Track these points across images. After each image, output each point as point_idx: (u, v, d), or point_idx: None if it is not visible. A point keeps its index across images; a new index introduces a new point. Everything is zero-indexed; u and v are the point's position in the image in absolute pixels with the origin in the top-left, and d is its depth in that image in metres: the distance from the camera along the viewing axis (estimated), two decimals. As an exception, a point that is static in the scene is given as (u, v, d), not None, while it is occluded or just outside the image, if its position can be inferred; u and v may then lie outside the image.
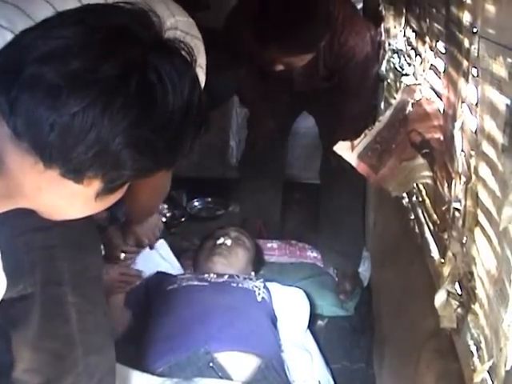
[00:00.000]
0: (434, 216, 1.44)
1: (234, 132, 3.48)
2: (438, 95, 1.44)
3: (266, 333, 1.97)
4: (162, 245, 2.30)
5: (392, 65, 2.12)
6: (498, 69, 0.90)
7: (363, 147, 1.71)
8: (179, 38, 0.81)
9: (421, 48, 1.67)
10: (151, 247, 2.03)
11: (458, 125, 1.15)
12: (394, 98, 1.86)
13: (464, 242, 1.12)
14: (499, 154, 0.91)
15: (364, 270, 2.60)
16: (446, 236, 1.25)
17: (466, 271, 1.10)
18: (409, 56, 1.89)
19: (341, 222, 2.55)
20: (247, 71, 2.02)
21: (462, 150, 1.14)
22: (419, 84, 1.62)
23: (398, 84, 1.99)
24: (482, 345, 1.03)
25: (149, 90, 0.74)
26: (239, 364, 1.79)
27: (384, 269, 2.19)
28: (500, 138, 0.90)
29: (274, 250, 2.65)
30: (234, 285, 2.11)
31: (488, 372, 0.96)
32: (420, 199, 1.63)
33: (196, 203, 3.26)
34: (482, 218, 1.04)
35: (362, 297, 2.50)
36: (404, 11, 1.98)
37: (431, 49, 1.52)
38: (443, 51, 1.35)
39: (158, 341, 1.86)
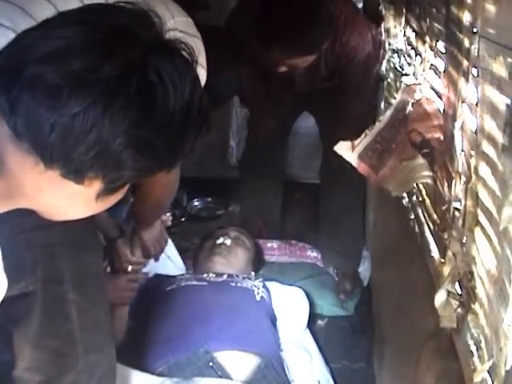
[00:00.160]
0: (434, 216, 1.44)
1: (234, 132, 3.48)
2: (438, 95, 1.44)
3: (265, 332, 1.98)
4: (168, 245, 2.30)
5: (392, 64, 2.12)
6: (498, 68, 0.90)
7: (363, 147, 1.72)
8: (180, 39, 0.80)
9: (421, 48, 1.67)
10: (156, 259, 2.06)
11: (458, 124, 1.15)
12: (394, 98, 1.86)
13: (464, 241, 1.12)
14: (499, 153, 0.91)
15: (364, 269, 2.60)
16: (446, 236, 1.25)
17: (466, 271, 1.10)
18: (409, 56, 1.89)
19: (341, 221, 2.55)
20: (249, 71, 2.02)
21: (462, 150, 1.14)
22: (419, 84, 1.62)
23: (398, 84, 1.99)
24: (482, 344, 1.03)
25: (149, 90, 0.74)
26: (239, 363, 1.80)
27: (384, 269, 2.19)
28: (500, 137, 0.90)
29: (274, 250, 2.65)
30: (233, 284, 2.11)
31: (488, 372, 0.96)
32: (420, 199, 1.63)
33: (196, 203, 3.26)
34: (482, 217, 1.04)
35: (362, 296, 2.50)
36: (404, 11, 1.98)
37: (431, 48, 1.51)
38: (443, 51, 1.35)
39: (158, 341, 1.86)
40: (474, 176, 1.07)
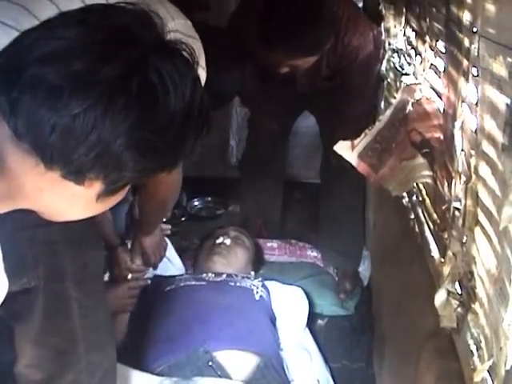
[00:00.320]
0: (434, 215, 1.44)
1: (234, 131, 3.48)
2: (438, 95, 1.44)
3: (264, 331, 1.98)
4: (168, 247, 2.31)
5: (392, 64, 2.12)
6: (498, 68, 0.90)
7: (363, 147, 1.72)
8: (181, 39, 0.80)
9: (421, 47, 1.67)
10: (155, 267, 2.07)
11: (458, 124, 1.15)
12: (394, 98, 1.86)
13: (464, 241, 1.12)
14: (499, 153, 0.91)
15: (364, 269, 2.60)
16: (446, 235, 1.25)
17: (466, 271, 1.11)
18: (409, 55, 1.90)
19: (341, 221, 2.55)
20: (250, 71, 2.02)
21: (462, 150, 1.14)
22: (419, 83, 1.62)
23: (398, 83, 1.99)
24: (482, 344, 1.03)
25: (150, 91, 0.73)
26: (238, 363, 1.80)
27: (384, 268, 2.19)
28: (500, 137, 0.90)
29: (274, 250, 2.65)
30: (232, 284, 2.11)
31: (488, 371, 0.96)
32: (420, 199, 1.63)
33: (196, 202, 3.26)
34: (482, 217, 1.04)
35: (362, 296, 2.50)
36: (404, 10, 1.99)
37: (431, 48, 1.52)
38: (443, 51, 1.35)
39: (158, 341, 1.86)
40: (473, 176, 1.07)
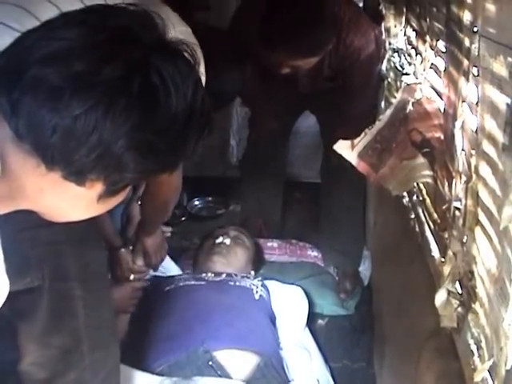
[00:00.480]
0: (435, 215, 1.44)
1: (235, 131, 3.48)
2: (439, 94, 1.44)
3: (264, 331, 1.98)
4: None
5: (392, 64, 2.12)
6: (499, 68, 0.90)
7: (363, 146, 1.72)
8: (182, 40, 0.80)
9: (421, 47, 1.67)
10: (155, 269, 2.09)
11: (458, 124, 1.15)
12: (395, 97, 1.86)
13: (464, 241, 1.12)
14: (500, 153, 0.91)
15: (364, 269, 2.60)
16: (446, 235, 1.25)
17: (467, 270, 1.11)
18: (409, 55, 1.89)
19: (341, 221, 2.56)
20: (251, 72, 2.01)
21: (463, 149, 1.14)
22: (419, 83, 1.62)
23: (398, 83, 1.99)
24: (483, 344, 1.03)
25: (151, 92, 0.73)
26: (238, 362, 1.80)
27: (384, 268, 2.19)
28: (500, 137, 0.90)
29: (274, 249, 2.65)
30: (232, 283, 2.11)
31: (488, 371, 0.96)
32: (420, 198, 1.63)
33: (196, 202, 3.26)
34: (482, 217, 1.04)
35: (362, 296, 2.50)
36: (404, 10, 1.98)
37: (432, 48, 1.51)
38: (444, 50, 1.35)
39: (158, 340, 1.86)
40: (474, 175, 1.07)
